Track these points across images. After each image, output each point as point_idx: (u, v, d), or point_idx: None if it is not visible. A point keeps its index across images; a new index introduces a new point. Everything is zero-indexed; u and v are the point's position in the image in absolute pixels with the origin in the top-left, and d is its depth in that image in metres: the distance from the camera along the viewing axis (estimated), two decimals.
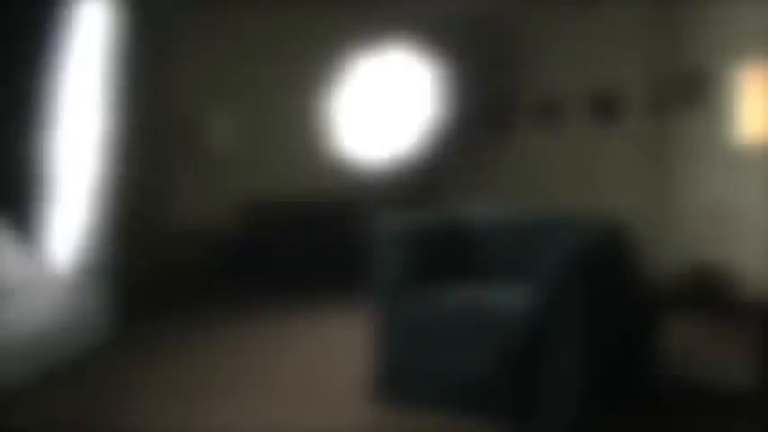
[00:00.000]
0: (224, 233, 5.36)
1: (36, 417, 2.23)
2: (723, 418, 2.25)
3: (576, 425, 1.91)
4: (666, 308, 2.36)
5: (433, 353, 2.35)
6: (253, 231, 5.46)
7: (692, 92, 4.38)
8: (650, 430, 2.14)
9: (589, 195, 5.75)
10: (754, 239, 2.62)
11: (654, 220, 5.20)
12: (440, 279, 2.59)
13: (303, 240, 5.34)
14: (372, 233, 2.62)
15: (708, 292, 2.27)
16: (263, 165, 5.79)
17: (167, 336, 3.37)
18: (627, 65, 5.56)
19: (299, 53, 5.96)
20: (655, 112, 5.19)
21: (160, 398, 2.45)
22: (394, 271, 2.53)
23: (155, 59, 4.74)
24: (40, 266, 2.46)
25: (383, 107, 3.83)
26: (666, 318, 2.65)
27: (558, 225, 2.58)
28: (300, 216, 5.57)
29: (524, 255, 2.83)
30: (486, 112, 6.60)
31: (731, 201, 2.51)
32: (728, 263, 2.29)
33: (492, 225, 2.97)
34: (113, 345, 3.09)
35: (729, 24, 3.94)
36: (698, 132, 4.37)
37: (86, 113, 1.24)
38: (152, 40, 4.63)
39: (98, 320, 3.02)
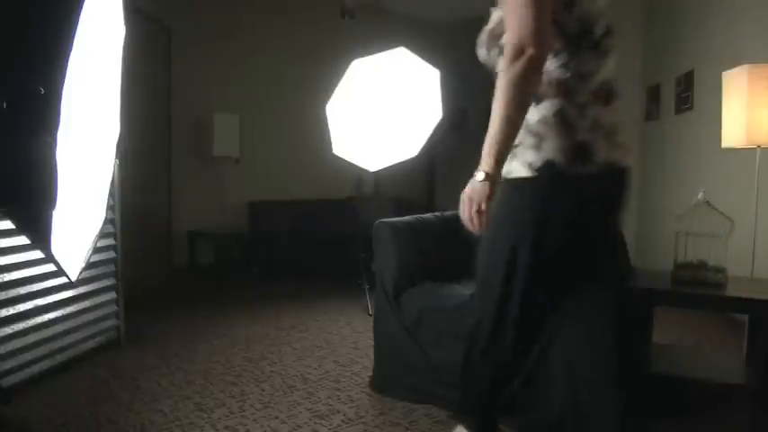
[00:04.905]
0: (230, 232, 5.40)
1: (43, 411, 2.27)
2: (712, 413, 2.28)
3: (566, 421, 1.92)
4: (656, 303, 2.38)
5: (431, 348, 2.38)
6: (258, 230, 5.49)
7: (681, 96, 4.43)
8: (640, 425, 2.17)
9: None
10: (741, 236, 2.66)
11: (644, 217, 5.23)
12: (437, 277, 2.61)
13: (305, 239, 5.36)
14: (371, 233, 2.64)
15: (696, 287, 2.29)
16: (266, 166, 5.82)
17: (171, 334, 3.41)
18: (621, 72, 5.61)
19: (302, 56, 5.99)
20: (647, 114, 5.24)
21: (162, 395, 2.48)
22: (392, 270, 2.54)
23: (165, 63, 4.77)
24: (50, 265, 2.49)
25: (382, 108, 3.84)
26: (657, 313, 2.68)
27: None
28: (302, 215, 5.60)
29: None
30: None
31: (719, 199, 2.54)
32: (716, 259, 2.32)
33: None
34: (120, 342, 3.13)
35: (715, 33, 3.98)
36: (688, 134, 4.41)
37: (98, 115, 1.27)
38: (162, 44, 4.67)
39: (107, 318, 3.05)
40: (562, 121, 1.38)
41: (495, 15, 1.46)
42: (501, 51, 1.37)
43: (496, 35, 1.44)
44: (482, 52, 1.52)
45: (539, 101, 1.41)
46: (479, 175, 1.32)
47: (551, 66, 1.38)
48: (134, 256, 3.65)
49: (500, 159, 1.32)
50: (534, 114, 1.40)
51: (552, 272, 1.48)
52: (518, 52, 1.26)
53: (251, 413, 2.30)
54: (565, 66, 1.38)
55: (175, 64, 5.07)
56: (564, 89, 1.39)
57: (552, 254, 1.45)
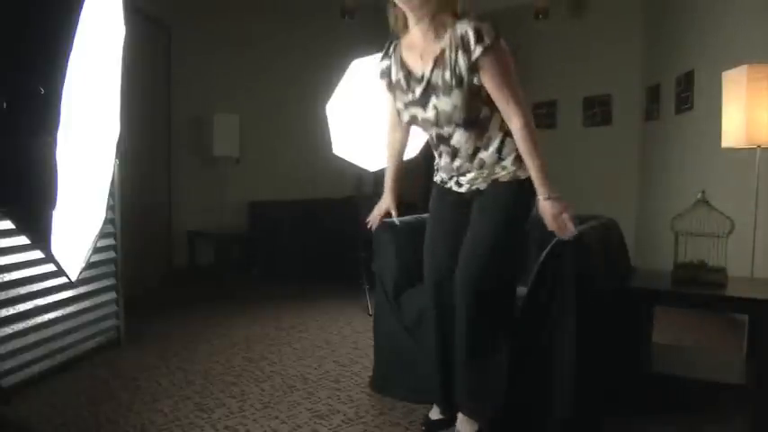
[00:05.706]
0: (230, 232, 5.39)
1: (43, 411, 2.27)
2: (712, 414, 2.28)
3: (565, 421, 1.92)
4: (656, 303, 2.38)
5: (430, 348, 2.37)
6: (258, 230, 5.48)
7: (681, 96, 4.43)
8: (639, 425, 2.17)
9: (582, 190, 5.80)
10: (741, 236, 2.66)
11: (644, 217, 5.23)
12: None
13: (305, 239, 5.36)
14: (371, 233, 2.64)
15: (696, 287, 2.29)
16: (266, 166, 5.82)
17: (171, 334, 3.41)
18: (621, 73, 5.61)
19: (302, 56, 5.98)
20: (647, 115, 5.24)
21: (162, 395, 2.48)
22: (392, 270, 2.54)
23: (165, 63, 4.77)
24: (50, 265, 2.49)
25: (382, 108, 3.84)
26: (657, 313, 2.68)
27: None
28: (302, 215, 5.59)
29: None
30: None
31: (719, 199, 2.55)
32: (716, 259, 2.32)
33: None
34: (120, 342, 3.13)
35: (715, 33, 3.98)
36: (688, 134, 4.41)
37: (98, 115, 1.27)
38: (163, 44, 4.67)
39: (107, 318, 3.05)
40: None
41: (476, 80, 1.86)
42: (485, 102, 1.89)
43: (484, 97, 1.88)
44: (460, 114, 1.90)
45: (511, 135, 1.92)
46: (556, 195, 1.81)
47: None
48: (134, 256, 3.65)
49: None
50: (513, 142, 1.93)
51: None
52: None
53: (251, 413, 2.30)
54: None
55: (175, 64, 5.06)
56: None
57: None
